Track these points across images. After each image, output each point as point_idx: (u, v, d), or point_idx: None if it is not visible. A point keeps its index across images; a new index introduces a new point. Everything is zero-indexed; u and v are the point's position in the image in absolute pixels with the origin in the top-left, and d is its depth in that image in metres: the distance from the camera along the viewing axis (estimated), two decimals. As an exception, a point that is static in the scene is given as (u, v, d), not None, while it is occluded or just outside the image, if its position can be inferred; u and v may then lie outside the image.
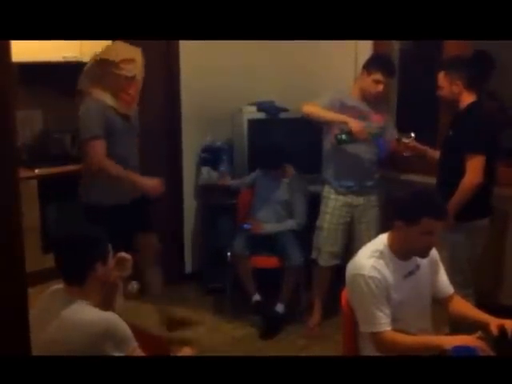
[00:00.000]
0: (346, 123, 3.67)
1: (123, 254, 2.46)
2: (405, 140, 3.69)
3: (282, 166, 4.21)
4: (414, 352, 2.32)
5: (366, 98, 3.83)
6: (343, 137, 3.68)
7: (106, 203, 3.46)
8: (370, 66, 3.77)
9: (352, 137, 3.67)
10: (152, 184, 3.53)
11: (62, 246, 2.30)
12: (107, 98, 3.38)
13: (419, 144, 3.72)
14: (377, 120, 3.84)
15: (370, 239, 3.73)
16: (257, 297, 4.12)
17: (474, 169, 3.19)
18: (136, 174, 3.51)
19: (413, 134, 3.68)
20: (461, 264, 3.26)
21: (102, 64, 3.37)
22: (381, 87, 3.76)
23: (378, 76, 3.73)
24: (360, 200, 3.94)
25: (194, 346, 2.55)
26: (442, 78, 3.35)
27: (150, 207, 3.79)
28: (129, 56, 3.34)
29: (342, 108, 3.78)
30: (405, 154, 3.72)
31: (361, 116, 3.79)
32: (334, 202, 3.94)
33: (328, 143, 3.91)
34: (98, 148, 3.37)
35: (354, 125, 3.65)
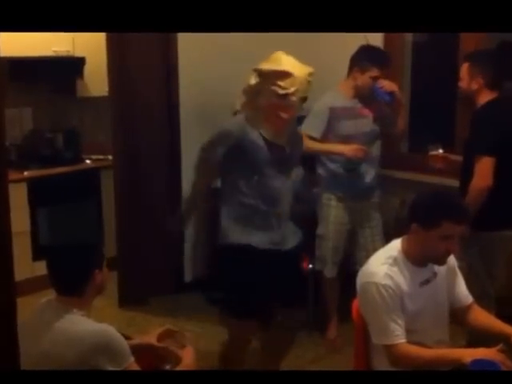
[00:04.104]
0: (342, 154, 3.71)
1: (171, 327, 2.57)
2: (433, 152, 3.57)
3: None
4: (430, 366, 2.31)
5: (361, 95, 3.78)
6: (349, 166, 3.81)
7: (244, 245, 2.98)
8: (363, 62, 3.72)
9: (355, 162, 3.75)
10: None
11: (58, 255, 2.30)
12: (253, 120, 2.95)
13: (450, 155, 3.62)
14: (366, 114, 3.83)
15: (375, 245, 3.77)
16: None
17: (481, 172, 3.17)
18: None
19: (441, 150, 3.59)
20: (477, 275, 3.24)
21: (256, 76, 2.94)
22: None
23: (375, 72, 3.69)
24: (361, 204, 3.94)
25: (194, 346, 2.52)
26: (464, 69, 3.34)
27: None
28: (285, 68, 2.85)
29: (333, 113, 3.76)
30: (437, 167, 3.59)
31: (353, 115, 3.78)
32: (335, 210, 3.91)
33: (326, 165, 3.91)
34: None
35: (350, 153, 3.66)
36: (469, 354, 2.24)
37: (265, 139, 2.95)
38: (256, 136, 2.95)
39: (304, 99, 2.93)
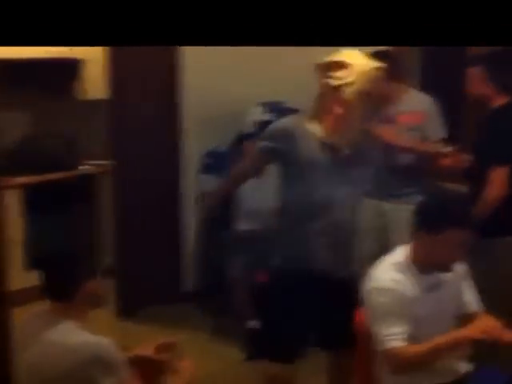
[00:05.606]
0: None
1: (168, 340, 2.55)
2: (443, 150, 3.51)
3: None
4: (431, 359, 2.34)
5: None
6: None
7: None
8: None
9: None
10: None
11: (48, 258, 2.32)
12: (310, 121, 2.73)
13: (461, 154, 3.53)
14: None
15: None
16: (253, 323, 3.93)
17: (496, 181, 3.17)
18: None
19: (451, 147, 3.57)
20: (486, 282, 3.25)
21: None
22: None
23: None
24: (389, 206, 3.76)
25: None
26: (472, 73, 3.34)
27: None
28: (340, 58, 2.64)
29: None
30: (446, 165, 3.51)
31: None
32: None
33: None
34: None
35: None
36: (470, 331, 2.32)
37: (320, 141, 2.70)
38: (306, 132, 2.70)
39: (368, 95, 2.68)
